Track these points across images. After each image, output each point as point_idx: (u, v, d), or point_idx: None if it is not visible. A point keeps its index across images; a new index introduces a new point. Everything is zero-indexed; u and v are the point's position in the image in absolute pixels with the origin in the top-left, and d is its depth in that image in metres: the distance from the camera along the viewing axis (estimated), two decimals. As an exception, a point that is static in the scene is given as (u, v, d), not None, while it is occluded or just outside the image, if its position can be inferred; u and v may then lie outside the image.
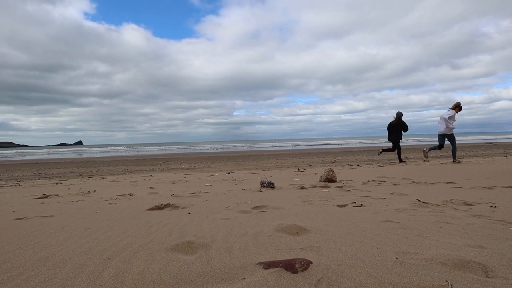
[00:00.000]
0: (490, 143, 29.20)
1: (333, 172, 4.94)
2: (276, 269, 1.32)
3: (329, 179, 4.81)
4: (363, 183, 4.43)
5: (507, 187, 3.53)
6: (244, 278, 1.28)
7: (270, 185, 4.54)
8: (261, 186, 4.62)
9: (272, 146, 47.92)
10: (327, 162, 12.55)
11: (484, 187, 3.59)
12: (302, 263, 1.36)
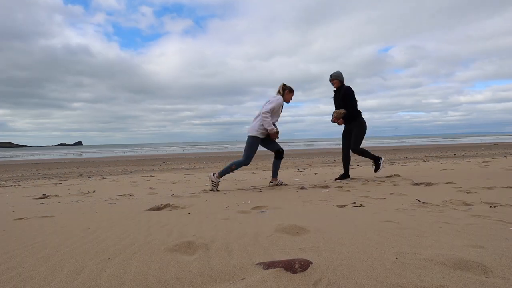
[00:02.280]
0: (490, 143, 29.22)
1: None
2: (275, 269, 1.32)
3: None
4: (363, 183, 4.43)
5: (507, 187, 3.53)
6: (244, 279, 1.28)
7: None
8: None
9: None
10: (326, 163, 12.55)
11: (484, 187, 3.59)
12: (302, 263, 1.35)
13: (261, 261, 1.44)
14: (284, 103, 4.55)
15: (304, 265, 1.35)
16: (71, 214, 2.83)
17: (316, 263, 1.39)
